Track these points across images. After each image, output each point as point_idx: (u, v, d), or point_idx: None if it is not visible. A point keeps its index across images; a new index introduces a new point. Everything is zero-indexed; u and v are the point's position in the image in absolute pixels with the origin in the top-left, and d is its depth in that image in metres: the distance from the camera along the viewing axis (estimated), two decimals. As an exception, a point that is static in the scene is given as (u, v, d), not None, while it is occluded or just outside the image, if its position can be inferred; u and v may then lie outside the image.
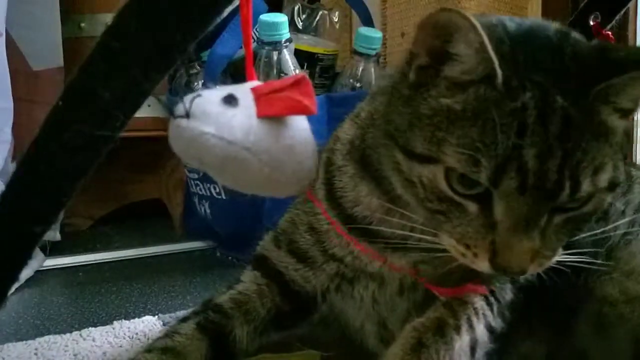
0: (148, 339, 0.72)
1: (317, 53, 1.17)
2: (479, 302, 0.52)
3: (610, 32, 0.91)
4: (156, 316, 0.79)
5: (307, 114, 0.34)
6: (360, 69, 1.13)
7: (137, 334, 0.73)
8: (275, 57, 1.02)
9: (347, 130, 0.59)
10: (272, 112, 0.34)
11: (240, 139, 0.34)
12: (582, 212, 0.44)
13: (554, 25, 0.48)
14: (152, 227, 1.40)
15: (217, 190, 1.12)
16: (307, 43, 1.17)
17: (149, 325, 0.75)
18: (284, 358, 0.63)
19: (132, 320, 0.77)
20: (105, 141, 0.40)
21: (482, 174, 0.41)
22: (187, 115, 0.34)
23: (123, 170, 1.42)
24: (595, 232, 0.52)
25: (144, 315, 0.80)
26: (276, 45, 1.01)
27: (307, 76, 0.35)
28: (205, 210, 1.18)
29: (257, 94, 0.34)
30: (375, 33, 1.12)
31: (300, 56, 1.13)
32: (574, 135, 0.41)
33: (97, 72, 0.39)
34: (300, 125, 0.36)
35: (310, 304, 0.63)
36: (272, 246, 0.64)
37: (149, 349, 0.55)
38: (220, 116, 0.34)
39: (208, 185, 1.13)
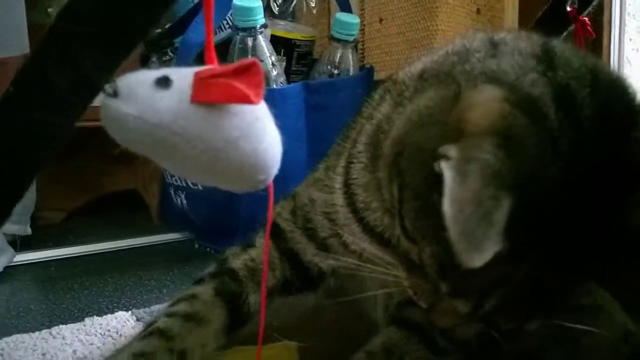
0: (120, 335, 0.70)
1: (294, 39, 1.14)
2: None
3: (587, 19, 0.91)
4: (130, 311, 0.77)
5: (247, 103, 0.32)
6: (338, 56, 1.11)
7: (109, 330, 0.71)
8: (250, 44, 0.99)
9: (384, 108, 0.52)
10: (208, 98, 0.32)
11: (167, 123, 0.32)
12: None
13: None
14: (129, 219, 1.37)
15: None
16: (284, 29, 1.15)
17: (121, 322, 0.73)
18: (262, 350, 0.62)
19: (104, 317, 0.75)
20: (62, 129, 0.38)
21: (442, 287, 0.40)
22: (115, 94, 0.32)
23: (97, 160, 1.38)
24: None
25: (117, 311, 0.77)
26: (251, 31, 0.98)
27: (258, 63, 0.33)
28: (181, 201, 1.16)
29: (197, 78, 0.32)
30: (353, 19, 1.10)
31: (277, 42, 1.11)
32: (543, 301, 0.39)
33: (51, 56, 0.37)
34: (252, 115, 0.33)
35: (319, 278, 0.62)
36: (290, 216, 0.62)
37: (169, 314, 0.54)
38: (146, 98, 0.32)
39: (183, 175, 1.11)
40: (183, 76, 0.33)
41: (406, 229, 0.42)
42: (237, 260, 0.60)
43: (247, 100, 0.31)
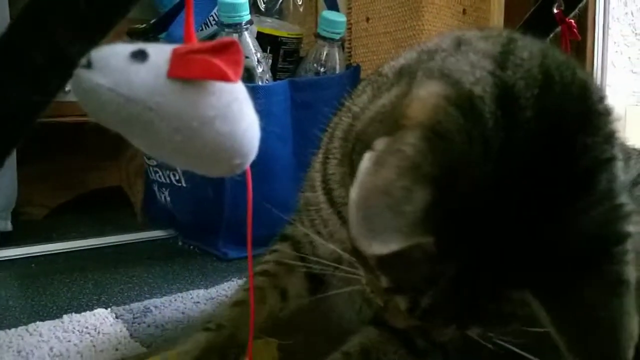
0: (98, 332, 0.69)
1: (281, 36, 1.14)
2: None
3: (573, 21, 0.91)
4: (109, 309, 0.76)
5: (226, 80, 0.31)
6: (325, 54, 1.11)
7: (87, 327, 0.70)
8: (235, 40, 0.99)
9: (362, 101, 0.51)
10: (185, 73, 0.31)
11: (142, 97, 0.31)
12: None
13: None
14: (113, 216, 1.35)
15: (177, 177, 1.08)
16: (271, 26, 1.14)
17: (100, 319, 0.72)
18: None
19: (82, 314, 0.74)
20: (37, 106, 0.37)
21: (383, 280, 0.39)
22: (89, 65, 0.31)
23: (82, 157, 1.37)
24: None
25: (96, 308, 0.76)
26: (236, 27, 0.97)
27: (237, 42, 0.32)
28: (165, 198, 1.15)
29: (174, 54, 0.32)
30: (339, 17, 1.10)
31: (263, 40, 1.10)
32: (478, 306, 0.37)
33: (27, 31, 0.36)
34: (230, 96, 0.33)
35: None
36: (302, 207, 0.64)
37: (264, 262, 0.62)
38: (121, 70, 0.31)
39: (167, 172, 1.10)
40: (160, 51, 0.32)
41: None
42: (290, 229, 0.66)
43: (225, 77, 0.31)
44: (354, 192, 0.33)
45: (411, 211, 0.32)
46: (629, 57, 1.53)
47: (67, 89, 1.21)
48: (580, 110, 0.37)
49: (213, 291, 0.84)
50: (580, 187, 0.35)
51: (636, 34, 1.54)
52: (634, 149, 0.64)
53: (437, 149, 0.33)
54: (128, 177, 1.38)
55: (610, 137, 0.37)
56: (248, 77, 1.00)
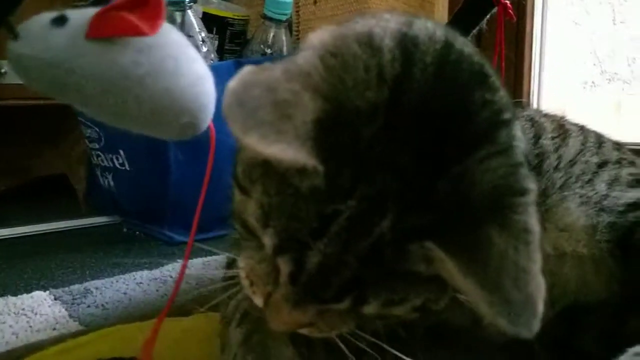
0: (35, 314, 0.67)
1: (227, 17, 1.13)
2: None
3: (508, 2, 0.94)
4: (47, 291, 0.74)
5: (139, 34, 0.31)
6: (271, 35, 1.10)
7: (23, 309, 0.68)
8: (179, 19, 0.97)
9: None
10: (101, 33, 0.31)
11: (61, 60, 0.31)
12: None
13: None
14: (56, 203, 1.31)
15: (121, 161, 1.06)
16: (216, 7, 1.13)
17: (37, 301, 0.70)
18: (183, 321, 0.61)
19: (19, 297, 0.71)
20: None
21: (267, 239, 0.34)
22: (16, 37, 0.31)
23: (24, 143, 1.32)
24: None
25: (34, 291, 0.74)
26: (180, 4, 0.96)
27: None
28: (109, 183, 1.12)
29: (95, 15, 0.32)
30: (286, -2, 1.10)
31: (210, 20, 1.09)
32: (376, 265, 0.32)
33: None
34: (162, 52, 0.33)
35: None
36: None
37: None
38: (40, 36, 0.31)
39: (110, 156, 1.07)
40: (82, 14, 0.32)
41: (238, 178, 0.37)
42: None
43: (139, 31, 0.31)
44: (232, 82, 0.30)
45: (300, 119, 0.30)
46: (572, 46, 1.60)
47: (2, 70, 1.17)
48: (478, 71, 0.36)
49: (157, 272, 0.83)
50: (481, 137, 0.33)
51: (576, 23, 1.60)
52: (575, 124, 0.62)
53: (330, 66, 0.32)
54: (70, 163, 1.33)
55: (508, 101, 0.36)
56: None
